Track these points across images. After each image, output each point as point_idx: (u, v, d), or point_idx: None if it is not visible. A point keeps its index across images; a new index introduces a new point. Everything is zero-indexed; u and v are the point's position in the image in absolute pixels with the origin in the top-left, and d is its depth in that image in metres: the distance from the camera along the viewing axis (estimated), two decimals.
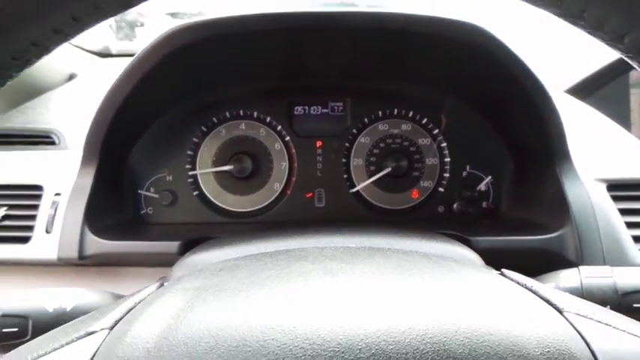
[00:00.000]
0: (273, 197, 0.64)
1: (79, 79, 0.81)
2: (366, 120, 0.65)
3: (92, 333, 0.23)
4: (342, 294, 0.24)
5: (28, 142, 0.61)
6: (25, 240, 0.51)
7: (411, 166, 0.64)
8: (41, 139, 0.61)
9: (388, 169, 0.63)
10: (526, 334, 0.21)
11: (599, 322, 0.23)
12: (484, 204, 0.63)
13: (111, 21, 0.92)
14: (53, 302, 0.32)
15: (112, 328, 0.23)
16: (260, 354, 0.19)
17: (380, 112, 0.65)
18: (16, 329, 0.27)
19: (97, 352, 0.21)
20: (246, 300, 0.23)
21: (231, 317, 0.22)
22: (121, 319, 0.24)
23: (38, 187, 0.53)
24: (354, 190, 0.64)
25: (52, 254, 0.50)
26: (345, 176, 0.65)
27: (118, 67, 0.52)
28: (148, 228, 0.62)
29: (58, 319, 0.32)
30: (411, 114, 0.65)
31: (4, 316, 0.29)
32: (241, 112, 0.64)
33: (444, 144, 0.64)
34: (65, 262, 0.50)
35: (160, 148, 0.62)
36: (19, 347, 0.23)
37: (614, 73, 0.76)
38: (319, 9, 0.52)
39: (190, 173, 0.63)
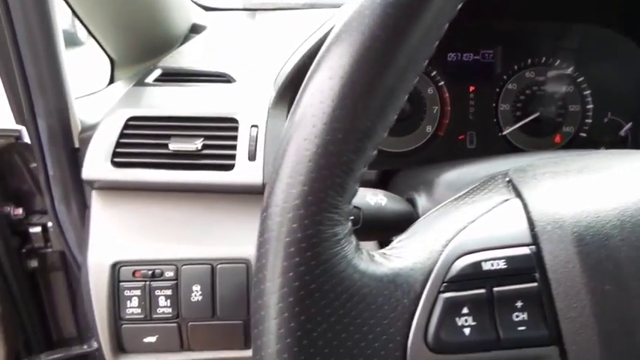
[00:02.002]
0: (426, 139, 0.68)
1: (209, 30, 0.83)
2: (515, 67, 0.68)
3: (505, 201, 0.27)
4: None
5: (204, 81, 0.64)
6: (228, 167, 0.55)
7: (554, 112, 0.68)
8: (216, 78, 0.65)
9: (536, 114, 0.68)
10: None
11: None
12: None
13: None
14: (373, 198, 0.36)
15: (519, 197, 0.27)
16: None
17: (529, 60, 0.69)
18: (352, 217, 0.31)
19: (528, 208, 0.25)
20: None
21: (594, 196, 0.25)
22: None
23: (233, 120, 0.57)
24: (503, 133, 0.68)
25: (257, 179, 0.54)
26: (495, 120, 0.69)
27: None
28: None
29: (378, 212, 0.36)
30: (557, 62, 0.69)
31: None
32: None
33: (587, 91, 0.68)
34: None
35: None
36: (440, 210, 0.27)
37: None
38: None
39: None
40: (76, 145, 0.61)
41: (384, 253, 0.26)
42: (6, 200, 0.72)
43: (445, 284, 0.24)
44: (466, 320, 0.24)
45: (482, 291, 0.24)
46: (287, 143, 0.25)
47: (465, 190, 0.30)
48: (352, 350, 0.23)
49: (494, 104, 0.69)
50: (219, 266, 0.53)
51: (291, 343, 0.23)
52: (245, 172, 0.54)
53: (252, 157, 0.55)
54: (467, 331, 0.24)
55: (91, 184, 0.56)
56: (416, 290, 0.24)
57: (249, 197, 0.56)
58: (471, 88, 0.68)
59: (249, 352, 0.54)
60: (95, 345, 0.80)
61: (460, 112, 0.68)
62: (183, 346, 0.54)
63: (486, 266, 0.24)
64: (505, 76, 0.69)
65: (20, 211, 0.73)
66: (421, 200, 0.42)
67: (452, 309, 0.24)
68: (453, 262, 0.24)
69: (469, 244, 0.24)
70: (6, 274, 0.71)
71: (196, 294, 0.53)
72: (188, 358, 0.54)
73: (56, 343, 0.86)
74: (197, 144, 0.55)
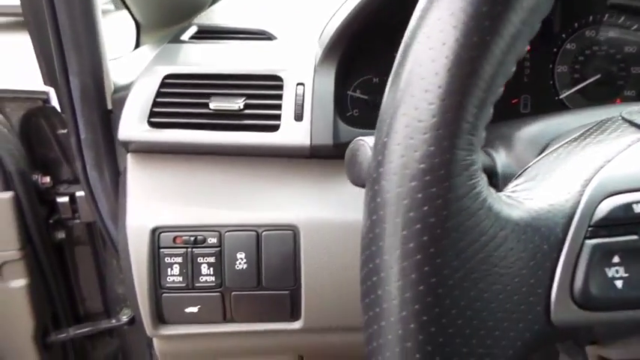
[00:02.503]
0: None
1: None
2: (575, 25, 0.64)
3: None
4: None
5: (243, 39, 0.60)
6: (273, 128, 0.51)
7: (616, 74, 0.64)
8: (256, 36, 0.61)
9: (597, 76, 0.63)
10: None
11: None
12: None
13: None
14: None
15: None
16: None
17: (590, 18, 0.64)
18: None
19: None
20: None
21: None
22: None
23: (277, 78, 0.53)
24: (560, 97, 0.64)
25: (304, 141, 0.51)
26: (551, 82, 0.64)
27: None
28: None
29: None
30: (620, 20, 0.64)
31: None
32: None
33: None
34: (317, 151, 0.51)
35: (372, 51, 0.61)
36: None
37: None
38: None
39: None
40: (109, 106, 0.58)
41: (510, 196, 0.22)
42: (33, 168, 0.70)
43: (591, 229, 0.20)
44: (617, 271, 0.20)
45: (634, 237, 0.20)
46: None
47: (577, 133, 0.26)
48: (490, 303, 0.20)
49: (550, 66, 0.64)
50: (264, 233, 0.50)
51: (425, 291, 0.19)
52: (291, 132, 0.50)
53: (298, 117, 0.51)
54: (619, 284, 0.20)
55: (127, 146, 0.53)
56: (557, 235, 0.20)
57: (296, 161, 0.52)
58: (526, 48, 0.63)
59: (295, 324, 0.51)
60: (124, 319, 0.79)
61: (514, 74, 0.63)
62: (226, 318, 0.51)
63: (638, 209, 0.20)
64: (564, 35, 0.64)
65: (48, 179, 0.71)
66: (499, 155, 0.39)
67: (601, 258, 0.20)
68: (598, 204, 0.20)
69: (615, 184, 0.21)
70: (34, 244, 0.69)
71: (241, 262, 0.49)
72: (231, 330, 0.51)
73: (83, 318, 0.85)
74: (239, 103, 0.51)
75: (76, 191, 0.72)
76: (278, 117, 0.51)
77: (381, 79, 0.64)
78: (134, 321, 0.78)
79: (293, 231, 0.50)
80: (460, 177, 0.20)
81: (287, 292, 0.50)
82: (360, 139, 0.35)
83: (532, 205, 0.21)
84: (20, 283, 0.68)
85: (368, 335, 0.22)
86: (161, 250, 0.50)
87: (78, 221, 0.74)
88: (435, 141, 0.20)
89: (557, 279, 0.20)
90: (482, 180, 0.21)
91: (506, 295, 0.20)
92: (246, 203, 0.51)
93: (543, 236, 0.20)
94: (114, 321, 0.79)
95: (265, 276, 0.50)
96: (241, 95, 0.52)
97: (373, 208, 0.21)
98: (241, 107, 0.52)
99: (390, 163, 0.21)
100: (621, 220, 0.21)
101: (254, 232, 0.50)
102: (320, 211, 0.51)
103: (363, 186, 0.35)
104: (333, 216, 0.50)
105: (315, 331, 0.52)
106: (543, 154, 0.25)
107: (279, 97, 0.52)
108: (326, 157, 0.52)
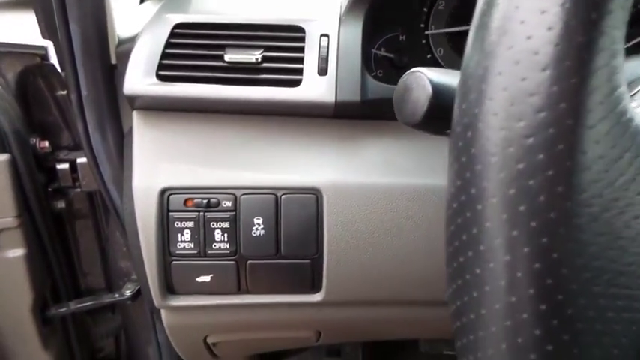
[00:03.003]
0: None
1: None
2: None
3: None
4: None
5: None
6: (294, 83, 0.46)
7: None
8: None
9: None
10: None
11: None
12: None
13: None
14: None
15: None
16: None
17: None
18: None
19: None
20: None
21: None
22: None
23: (299, 28, 0.48)
24: None
25: (328, 97, 0.46)
26: None
27: None
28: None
29: None
30: None
31: None
32: None
33: None
34: (342, 108, 0.46)
35: (402, 2, 0.57)
36: None
37: None
38: None
39: (426, 33, 0.58)
40: (113, 60, 0.53)
41: None
42: (31, 131, 0.65)
43: None
44: None
45: None
46: None
47: None
48: (636, 241, 0.16)
49: None
50: (283, 197, 0.46)
51: (558, 219, 0.15)
52: (314, 87, 0.46)
53: (322, 71, 0.46)
54: None
55: (133, 102, 0.48)
56: None
57: (319, 121, 0.48)
58: None
59: (315, 297, 0.47)
60: (127, 293, 0.75)
61: None
62: (240, 288, 0.47)
63: None
64: None
65: (47, 144, 0.66)
66: None
67: None
68: None
69: None
70: (33, 212, 0.64)
71: (257, 228, 0.45)
72: (245, 302, 0.48)
73: (84, 293, 0.81)
74: (257, 55, 0.47)
75: (77, 158, 0.67)
76: (300, 71, 0.47)
77: (408, 37, 0.59)
78: (138, 296, 0.74)
79: (315, 195, 0.46)
80: (616, 70, 0.15)
81: (308, 261, 0.46)
82: (417, 70, 0.30)
83: None
84: (18, 252, 0.64)
85: (457, 329, 0.18)
86: (170, 213, 0.46)
87: (79, 190, 0.70)
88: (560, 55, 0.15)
89: None
90: (625, 92, 0.16)
91: None
92: (264, 165, 0.47)
93: None
94: (117, 295, 0.76)
95: (284, 243, 0.45)
96: (259, 47, 0.48)
97: (465, 164, 0.17)
98: (259, 60, 0.47)
99: (489, 100, 0.16)
100: None
101: (272, 196, 0.45)
102: (345, 174, 0.46)
103: (419, 126, 0.30)
104: (360, 180, 0.46)
105: (337, 305, 0.48)
106: None
107: (301, 49, 0.47)
108: (352, 116, 0.48)
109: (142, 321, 0.81)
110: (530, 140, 0.15)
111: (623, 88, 0.16)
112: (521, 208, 0.15)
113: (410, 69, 0.33)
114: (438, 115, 0.29)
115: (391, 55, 0.58)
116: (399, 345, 0.96)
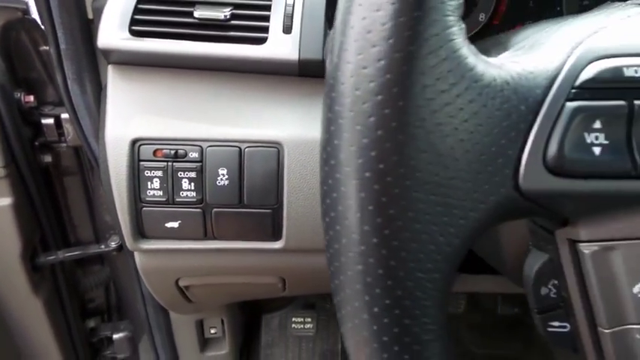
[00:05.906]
0: (478, 28, 0.61)
1: None
2: None
3: None
4: None
5: None
6: (260, 41, 0.48)
7: None
8: None
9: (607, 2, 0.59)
10: None
11: None
12: None
13: None
14: None
15: None
16: None
17: None
18: None
19: None
20: None
21: None
22: None
23: None
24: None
25: (292, 55, 0.48)
26: (558, 8, 0.61)
27: None
28: None
29: None
30: None
31: None
32: None
33: None
34: (305, 67, 0.48)
35: None
36: None
37: None
38: None
39: None
40: (90, 15, 0.55)
41: (488, 61, 0.20)
42: (15, 86, 0.68)
43: (574, 90, 0.18)
44: (597, 137, 0.19)
45: (620, 103, 0.18)
46: None
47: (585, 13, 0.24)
48: (455, 160, 0.18)
49: None
50: (247, 149, 0.48)
51: (384, 136, 0.18)
52: (279, 45, 0.48)
53: (287, 29, 0.48)
54: (597, 150, 0.19)
55: (107, 56, 0.50)
56: (536, 96, 0.19)
57: (284, 79, 0.50)
58: None
59: (276, 244, 0.51)
60: (112, 245, 0.79)
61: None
62: (207, 234, 0.50)
63: (629, 72, 0.18)
64: None
65: (32, 98, 0.69)
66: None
67: (581, 121, 0.19)
68: (585, 66, 0.19)
69: (607, 47, 0.19)
70: (19, 163, 0.67)
71: (222, 178, 0.48)
72: (212, 247, 0.51)
73: (73, 245, 0.85)
74: (225, 12, 0.48)
75: (62, 113, 0.70)
76: (266, 29, 0.48)
77: None
78: (122, 248, 0.78)
79: (277, 148, 0.48)
80: (443, 14, 0.18)
81: (269, 210, 0.49)
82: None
83: (514, 67, 0.19)
84: (5, 201, 0.67)
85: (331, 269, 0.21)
86: (141, 162, 0.48)
87: (64, 145, 0.73)
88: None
89: (531, 142, 0.19)
90: (462, 29, 0.19)
91: (474, 154, 0.19)
92: (230, 119, 0.49)
93: (521, 97, 0.19)
94: (102, 246, 0.80)
95: (247, 193, 0.48)
96: (228, 4, 0.49)
97: (329, 106, 0.19)
98: (227, 17, 0.49)
99: (344, 51, 0.19)
100: (609, 84, 0.19)
101: (237, 148, 0.48)
102: (306, 130, 0.49)
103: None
104: (319, 135, 0.48)
105: (297, 252, 0.51)
106: (540, 26, 0.23)
107: (268, 7, 0.49)
108: (316, 75, 0.50)
109: (128, 273, 0.85)
110: (367, 70, 0.18)
111: (457, 29, 0.18)
112: (358, 128, 0.18)
113: None
114: None
115: None
116: None
